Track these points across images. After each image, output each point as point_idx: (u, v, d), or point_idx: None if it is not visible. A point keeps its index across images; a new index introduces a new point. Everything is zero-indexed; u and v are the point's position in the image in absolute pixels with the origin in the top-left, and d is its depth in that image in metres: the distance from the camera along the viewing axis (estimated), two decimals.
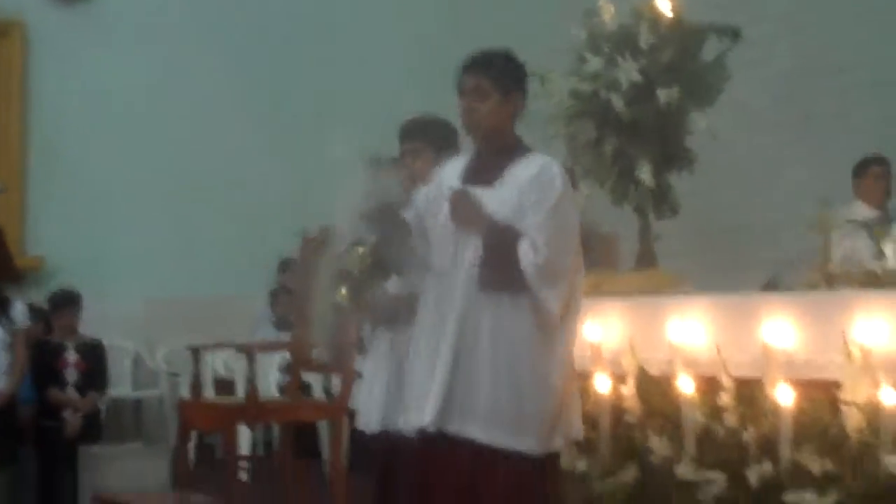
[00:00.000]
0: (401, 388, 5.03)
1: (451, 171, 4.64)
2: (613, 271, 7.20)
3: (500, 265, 4.35)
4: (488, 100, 4.49)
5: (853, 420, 4.65)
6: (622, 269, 7.34)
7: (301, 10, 11.78)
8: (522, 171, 4.45)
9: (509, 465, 4.30)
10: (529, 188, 4.40)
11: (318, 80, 11.63)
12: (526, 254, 4.31)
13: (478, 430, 4.33)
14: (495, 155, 4.54)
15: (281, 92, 11.50)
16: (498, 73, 4.53)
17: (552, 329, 4.42)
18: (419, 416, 4.39)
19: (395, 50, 11.62)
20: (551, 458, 4.47)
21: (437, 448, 4.37)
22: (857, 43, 9.03)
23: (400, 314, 4.88)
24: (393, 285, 5.32)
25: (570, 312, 4.46)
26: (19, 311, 8.81)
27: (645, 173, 6.80)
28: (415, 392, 4.47)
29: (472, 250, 4.42)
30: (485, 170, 4.52)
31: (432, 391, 4.37)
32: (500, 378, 4.33)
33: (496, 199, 4.43)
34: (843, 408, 4.69)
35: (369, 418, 5.30)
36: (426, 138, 4.97)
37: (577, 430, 4.58)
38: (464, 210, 4.45)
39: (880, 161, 7.87)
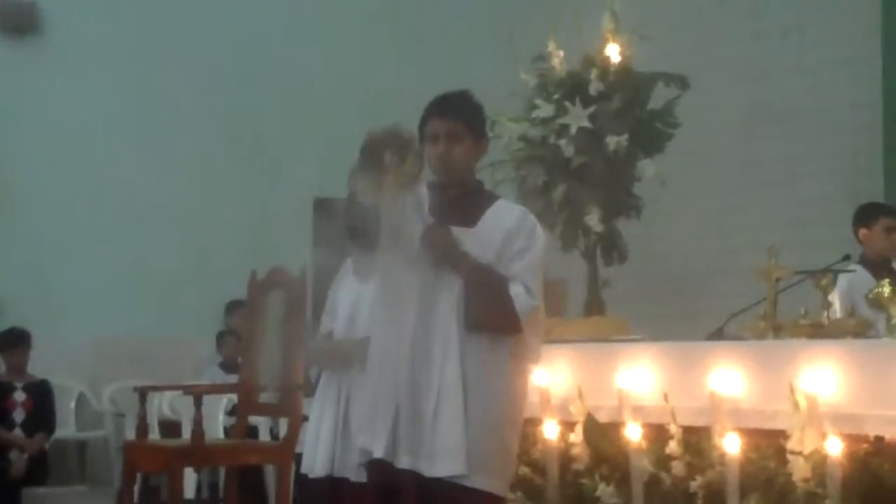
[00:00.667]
0: (347, 432, 5.01)
1: (413, 210, 4.59)
2: (561, 317, 7.20)
3: (486, 305, 4.34)
4: (463, 143, 4.48)
5: (800, 470, 4.65)
6: (570, 315, 7.34)
7: (256, 44, 11.75)
8: (503, 216, 4.46)
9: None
10: (516, 234, 4.42)
11: (272, 120, 11.60)
12: (519, 296, 4.31)
13: (454, 468, 4.28)
14: (467, 197, 4.53)
15: (233, 132, 11.45)
16: (470, 116, 4.54)
17: (528, 373, 4.44)
18: (447, 463, 4.31)
19: (351, 94, 11.60)
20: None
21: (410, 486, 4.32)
22: (804, 89, 9.11)
23: (346, 360, 4.87)
24: (339, 331, 5.29)
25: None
26: None
27: (594, 220, 6.82)
28: (402, 434, 4.35)
29: (445, 289, 4.40)
30: (461, 210, 4.49)
31: (452, 437, 4.29)
32: (480, 418, 4.31)
33: (477, 241, 4.42)
34: (790, 457, 4.69)
35: (314, 462, 5.27)
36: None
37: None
38: (443, 246, 4.40)
39: (889, 212, 7.52)
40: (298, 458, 7.72)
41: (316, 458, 5.33)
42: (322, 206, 11.06)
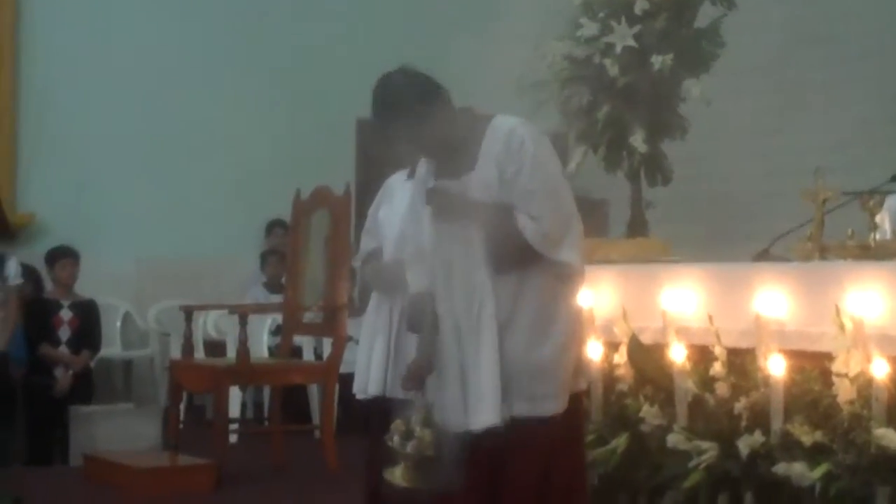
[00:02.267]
0: (399, 356, 5.02)
1: (421, 169, 4.62)
2: (604, 238, 7.19)
3: (499, 246, 4.33)
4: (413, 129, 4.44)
5: (844, 392, 4.64)
6: (612, 235, 7.33)
7: None
8: (492, 146, 4.38)
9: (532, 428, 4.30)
10: (506, 160, 4.35)
11: (314, 44, 11.55)
12: (526, 227, 4.27)
13: (531, 406, 4.30)
14: (458, 146, 4.47)
15: (275, 55, 11.42)
16: (401, 110, 4.42)
17: (577, 279, 4.42)
18: (482, 415, 4.33)
19: (394, 19, 11.53)
20: (577, 397, 4.48)
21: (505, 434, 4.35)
22: (849, 13, 8.99)
23: (398, 283, 4.86)
24: (388, 253, 5.28)
25: (582, 258, 4.44)
26: (13, 268, 8.77)
27: (638, 140, 6.78)
28: (470, 390, 4.34)
29: (468, 242, 4.39)
30: (460, 157, 4.46)
31: (489, 385, 4.28)
32: (539, 350, 4.32)
33: (478, 182, 4.39)
34: (835, 379, 4.69)
35: (365, 383, 5.29)
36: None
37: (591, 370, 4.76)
38: (448, 205, 4.40)
39: None
40: (342, 379, 7.79)
41: (369, 380, 5.36)
42: (364, 127, 11.04)
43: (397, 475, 4.41)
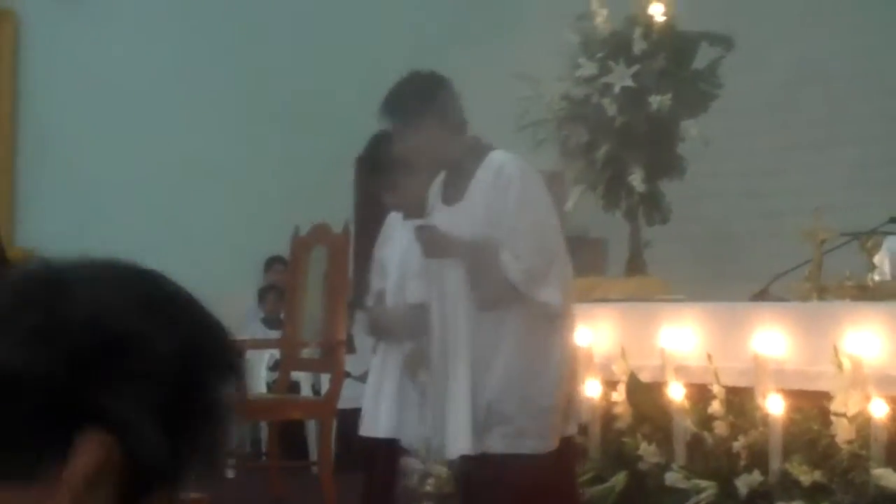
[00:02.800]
0: (407, 400, 5.04)
1: (434, 191, 4.67)
2: (602, 276, 7.19)
3: (481, 284, 4.36)
4: (429, 132, 4.54)
5: (843, 431, 4.64)
6: (611, 274, 7.33)
7: (293, 9, 11.74)
8: (483, 178, 4.46)
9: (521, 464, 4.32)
10: (494, 196, 4.41)
11: (314, 81, 11.58)
12: (508, 265, 4.30)
13: (511, 443, 4.34)
14: (452, 174, 4.56)
15: (271, 92, 11.45)
16: (406, 113, 4.55)
17: (562, 320, 4.43)
18: (457, 443, 4.36)
19: (383, 48, 11.58)
20: (568, 441, 4.53)
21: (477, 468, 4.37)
22: (851, 51, 9.03)
23: (396, 330, 4.89)
24: (389, 298, 5.29)
25: (567, 305, 4.48)
26: None
27: (636, 179, 6.79)
28: (448, 419, 4.42)
29: (454, 277, 4.43)
30: (452, 188, 4.54)
31: (461, 417, 4.35)
32: (520, 389, 4.35)
33: (465, 216, 4.44)
34: (834, 419, 4.69)
35: (376, 424, 5.28)
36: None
37: (581, 413, 4.77)
38: (434, 244, 4.49)
39: None
40: (341, 414, 7.78)
41: (378, 422, 5.35)
42: (363, 165, 11.06)
43: None
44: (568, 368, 4.51)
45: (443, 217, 4.55)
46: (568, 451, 4.57)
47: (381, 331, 5.44)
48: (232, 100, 11.35)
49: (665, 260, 7.13)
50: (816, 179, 8.35)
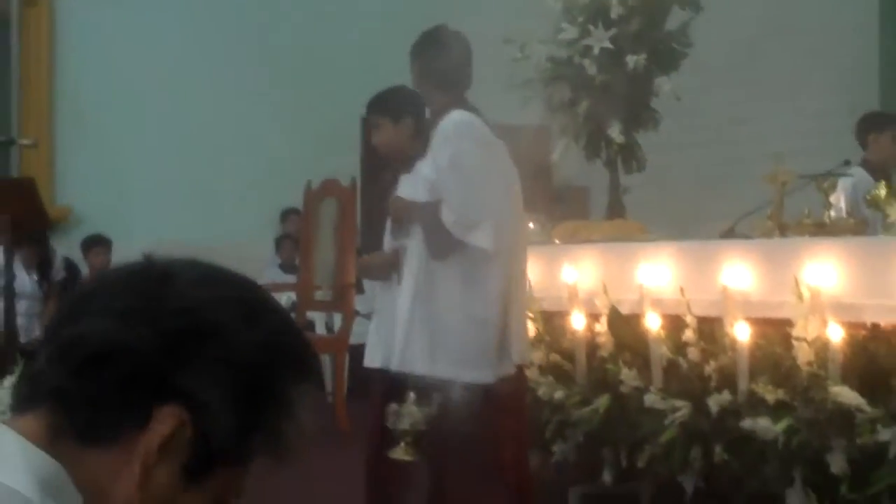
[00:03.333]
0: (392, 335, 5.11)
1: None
2: (585, 220, 7.21)
3: (437, 237, 4.46)
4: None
5: (804, 354, 4.65)
6: (593, 218, 7.35)
7: None
8: (433, 141, 4.56)
9: (465, 393, 4.37)
10: (434, 154, 4.52)
11: (318, 39, 11.56)
12: (447, 217, 4.41)
13: (439, 368, 4.45)
14: (411, 162, 4.72)
15: (281, 55, 11.42)
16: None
17: (494, 264, 4.49)
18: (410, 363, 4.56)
19: (398, 20, 11.53)
20: (506, 381, 4.58)
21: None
22: (811, 6, 8.99)
23: (389, 272, 4.96)
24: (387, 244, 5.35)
25: (500, 249, 4.52)
26: (57, 264, 8.83)
27: (615, 132, 6.81)
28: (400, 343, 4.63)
29: (414, 231, 4.60)
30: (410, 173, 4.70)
31: (402, 338, 4.58)
32: (457, 324, 4.44)
33: (420, 177, 4.56)
34: (795, 343, 4.69)
35: (370, 355, 5.33)
36: (383, 111, 4.92)
37: (521, 355, 4.73)
38: (395, 210, 4.73)
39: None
40: (352, 349, 7.81)
41: (374, 353, 5.40)
42: (368, 125, 11.04)
43: (399, 453, 4.47)
44: (500, 307, 4.53)
45: (408, 179, 4.68)
46: (516, 387, 4.63)
47: (363, 272, 5.57)
48: (249, 71, 11.33)
49: (642, 204, 7.14)
50: (779, 127, 8.34)
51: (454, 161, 4.46)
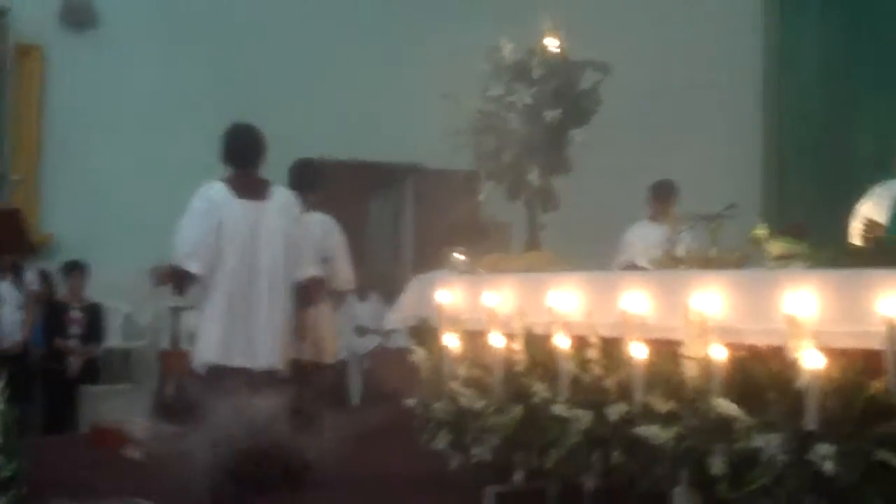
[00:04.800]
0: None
1: None
2: (507, 253, 7.22)
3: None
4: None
5: (691, 370, 4.68)
6: (514, 250, 7.36)
7: (275, 27, 11.72)
8: None
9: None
10: None
11: (281, 103, 11.52)
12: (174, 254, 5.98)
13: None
14: None
15: (253, 97, 11.36)
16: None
17: (206, 284, 6.02)
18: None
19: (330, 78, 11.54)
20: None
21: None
22: (694, 71, 9.08)
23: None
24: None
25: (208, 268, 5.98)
26: (29, 276, 8.73)
27: (534, 176, 6.85)
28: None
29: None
30: None
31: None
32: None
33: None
34: (684, 361, 4.73)
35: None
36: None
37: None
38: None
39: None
40: None
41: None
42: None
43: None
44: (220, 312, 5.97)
45: None
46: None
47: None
48: (217, 107, 11.23)
49: (556, 239, 7.16)
50: (674, 173, 8.39)
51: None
